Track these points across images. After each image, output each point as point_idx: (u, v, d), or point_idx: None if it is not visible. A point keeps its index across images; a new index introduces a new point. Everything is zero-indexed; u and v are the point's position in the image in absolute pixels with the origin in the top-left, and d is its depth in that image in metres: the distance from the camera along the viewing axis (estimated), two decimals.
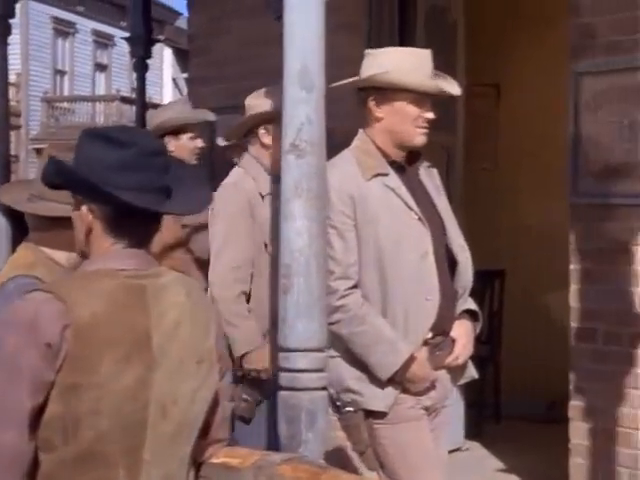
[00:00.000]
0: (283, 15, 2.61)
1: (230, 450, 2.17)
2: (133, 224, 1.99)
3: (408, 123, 3.17)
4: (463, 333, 3.25)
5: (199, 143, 5.39)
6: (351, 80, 3.24)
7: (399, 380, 3.09)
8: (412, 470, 3.16)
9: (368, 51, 3.29)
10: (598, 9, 4.80)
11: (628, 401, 4.70)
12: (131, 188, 1.94)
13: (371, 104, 3.18)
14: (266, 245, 3.68)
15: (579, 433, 4.82)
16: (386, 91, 3.15)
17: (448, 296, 3.19)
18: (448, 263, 3.25)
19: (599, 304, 4.78)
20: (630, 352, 4.69)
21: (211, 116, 5.40)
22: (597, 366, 4.78)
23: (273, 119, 3.59)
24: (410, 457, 3.15)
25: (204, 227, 5.20)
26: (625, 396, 4.70)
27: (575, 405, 4.86)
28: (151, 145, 2.04)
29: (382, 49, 3.35)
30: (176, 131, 4.86)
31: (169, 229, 5.06)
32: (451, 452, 5.28)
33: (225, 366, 2.16)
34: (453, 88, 3.29)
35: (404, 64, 3.15)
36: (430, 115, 3.19)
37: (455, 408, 5.19)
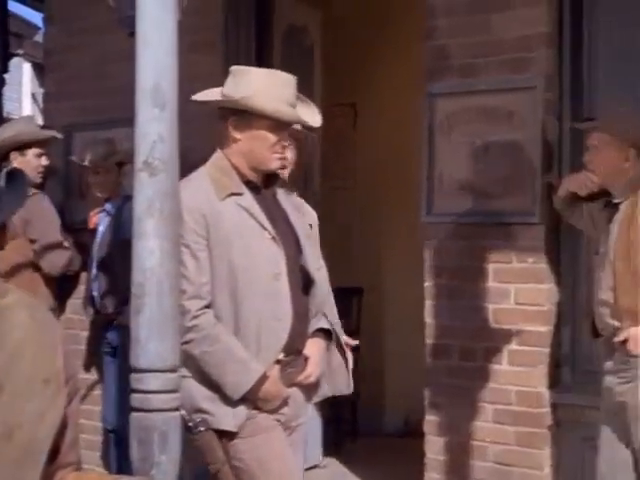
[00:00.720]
0: (136, 32, 2.58)
1: (80, 474, 2.12)
2: None
3: (265, 148, 3.18)
4: (315, 351, 3.28)
5: (44, 161, 5.36)
6: (215, 99, 3.21)
7: (251, 399, 3.10)
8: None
9: (233, 68, 3.27)
10: (452, 32, 4.92)
11: (482, 415, 4.80)
12: None
13: (231, 125, 3.18)
14: None
15: (434, 448, 4.90)
16: (247, 115, 3.15)
17: (301, 315, 3.21)
18: (304, 283, 3.27)
19: (453, 320, 4.88)
20: (484, 367, 4.80)
21: (56, 134, 5.38)
22: (452, 381, 4.87)
23: None
24: (271, 468, 3.15)
25: (55, 245, 5.13)
26: (480, 410, 4.81)
27: (430, 420, 4.94)
28: None
29: (248, 68, 3.34)
30: (21, 147, 4.90)
31: (19, 249, 4.98)
32: (309, 469, 5.33)
33: (76, 388, 2.11)
34: (314, 118, 3.33)
35: (268, 90, 3.14)
36: (286, 143, 3.26)
37: (313, 425, 5.23)
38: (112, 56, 5.65)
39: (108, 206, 5.31)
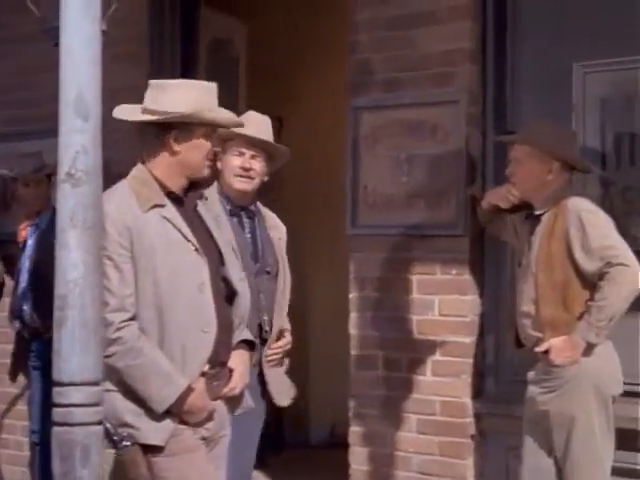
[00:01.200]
0: (59, 42, 2.56)
1: None
2: None
3: (202, 157, 3.24)
4: (240, 363, 3.29)
5: None
6: (152, 118, 3.20)
7: (176, 412, 3.08)
8: None
9: (152, 82, 3.28)
10: (376, 46, 4.96)
11: (406, 425, 4.83)
12: None
13: (170, 140, 3.19)
14: None
15: (359, 459, 4.92)
16: (188, 127, 3.18)
17: (225, 327, 3.21)
18: (227, 294, 3.27)
19: (378, 331, 4.92)
20: (408, 377, 4.83)
21: None
22: (377, 392, 4.90)
23: None
24: None
25: None
26: (404, 420, 4.84)
27: (355, 431, 4.96)
28: None
29: (167, 81, 3.35)
30: None
31: None
32: None
33: None
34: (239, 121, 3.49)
35: (204, 99, 3.22)
36: (217, 148, 3.40)
37: None
38: (38, 66, 5.59)
39: (38, 219, 5.25)
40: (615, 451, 3.87)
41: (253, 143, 4.00)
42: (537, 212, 3.98)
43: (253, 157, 4.02)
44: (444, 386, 4.71)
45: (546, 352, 3.81)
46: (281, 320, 4.08)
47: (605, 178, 4.48)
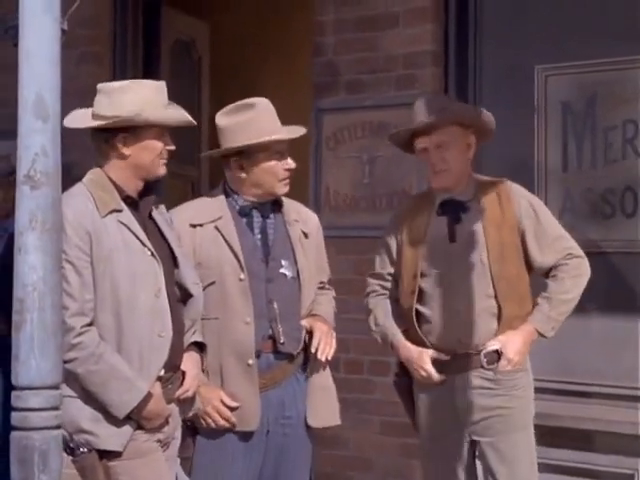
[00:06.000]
0: (18, 42, 2.53)
1: None
2: None
3: (155, 157, 3.21)
4: (192, 365, 3.28)
5: None
6: (96, 124, 3.18)
7: (135, 417, 3.07)
8: None
9: (101, 86, 3.26)
10: (340, 49, 4.97)
11: (369, 427, 4.84)
12: None
13: (119, 143, 3.16)
14: None
15: (321, 461, 4.90)
16: (135, 129, 3.15)
17: (179, 331, 3.21)
18: (182, 298, 3.28)
19: (340, 334, 4.87)
20: (370, 380, 4.84)
21: None
22: (338, 394, 4.87)
23: None
24: None
25: None
26: (366, 422, 4.84)
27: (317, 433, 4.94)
28: None
29: (114, 84, 3.32)
30: None
31: None
32: None
33: None
34: (191, 117, 3.34)
35: (152, 99, 3.18)
36: (172, 147, 3.25)
37: None
38: (2, 66, 5.53)
39: (7, 222, 5.19)
40: (615, 456, 3.86)
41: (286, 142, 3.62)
42: (461, 198, 3.59)
43: (288, 153, 3.63)
44: None
45: (494, 353, 3.50)
46: (298, 327, 3.59)
47: (567, 180, 4.51)
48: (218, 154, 3.66)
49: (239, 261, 3.50)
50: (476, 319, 3.52)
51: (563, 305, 3.56)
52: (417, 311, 3.61)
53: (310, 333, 3.58)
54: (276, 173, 3.57)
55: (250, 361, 3.47)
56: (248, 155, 3.56)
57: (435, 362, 3.55)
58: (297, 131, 3.67)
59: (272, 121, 3.61)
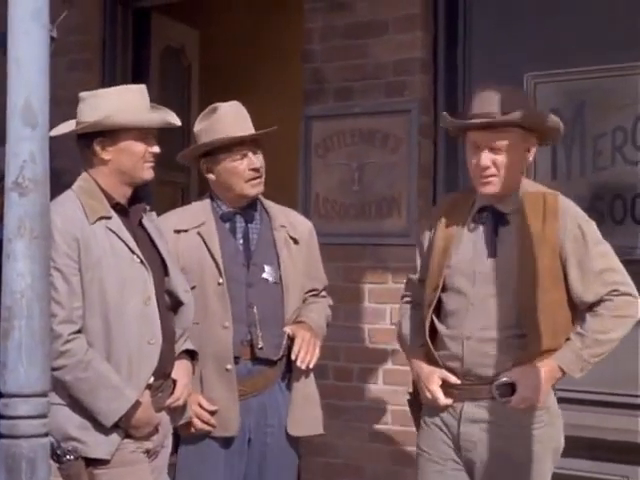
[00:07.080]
0: (7, 49, 2.53)
1: None
2: None
3: (136, 160, 3.19)
4: (183, 374, 3.28)
5: None
6: (75, 128, 3.19)
7: (123, 426, 3.06)
8: None
9: (82, 94, 3.27)
10: (329, 56, 4.98)
11: (358, 434, 4.83)
12: None
13: (97, 148, 3.17)
14: None
15: (311, 468, 4.91)
16: (112, 133, 3.15)
17: (169, 339, 3.21)
18: (172, 306, 3.27)
19: (329, 341, 4.88)
20: (360, 387, 4.84)
21: None
22: (328, 401, 4.87)
23: None
24: None
25: None
26: (356, 430, 4.84)
27: (306, 441, 4.94)
28: None
29: (98, 90, 3.33)
30: None
31: None
32: None
33: None
34: (174, 119, 3.34)
35: (125, 104, 3.18)
36: (156, 149, 3.24)
37: None
38: None
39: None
40: (616, 465, 3.84)
41: (249, 140, 3.62)
42: (504, 210, 3.17)
43: (254, 153, 3.61)
44: (396, 395, 4.71)
45: (508, 386, 3.09)
46: (279, 333, 3.55)
47: (556, 187, 4.51)
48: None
49: (217, 265, 3.50)
50: (493, 348, 3.11)
51: (598, 346, 3.08)
52: (434, 325, 3.23)
53: (293, 340, 3.55)
54: (240, 173, 3.58)
55: (228, 366, 3.47)
56: (212, 157, 3.61)
57: (445, 384, 3.19)
58: (247, 130, 3.64)
59: (232, 123, 3.61)
